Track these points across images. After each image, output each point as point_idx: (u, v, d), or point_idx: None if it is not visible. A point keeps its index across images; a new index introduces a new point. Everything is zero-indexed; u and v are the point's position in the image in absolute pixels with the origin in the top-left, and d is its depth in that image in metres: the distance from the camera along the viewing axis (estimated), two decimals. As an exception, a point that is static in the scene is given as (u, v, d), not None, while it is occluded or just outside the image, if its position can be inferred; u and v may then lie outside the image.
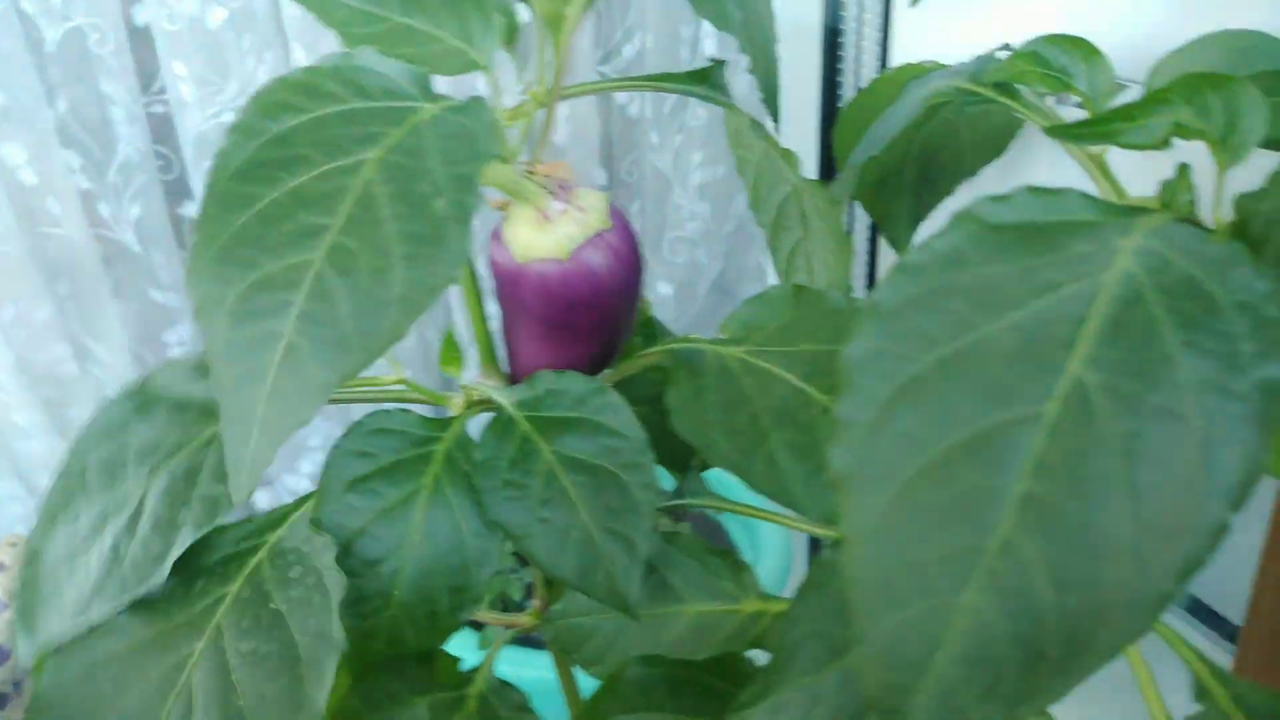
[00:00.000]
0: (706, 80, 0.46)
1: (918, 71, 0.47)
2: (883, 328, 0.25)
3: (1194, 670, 0.31)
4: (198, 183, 1.19)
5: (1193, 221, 0.33)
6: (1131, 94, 0.40)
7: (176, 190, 1.23)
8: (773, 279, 1.16)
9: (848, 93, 0.72)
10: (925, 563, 0.21)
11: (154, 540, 0.34)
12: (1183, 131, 0.33)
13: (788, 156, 0.44)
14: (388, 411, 0.38)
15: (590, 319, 0.42)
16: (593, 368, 0.45)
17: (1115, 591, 0.21)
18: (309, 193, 0.30)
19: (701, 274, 1.27)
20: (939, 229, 0.26)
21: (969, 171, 0.54)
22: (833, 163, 0.75)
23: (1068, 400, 0.23)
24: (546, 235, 0.40)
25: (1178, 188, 0.33)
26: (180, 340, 1.25)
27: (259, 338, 0.28)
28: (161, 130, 1.17)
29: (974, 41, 0.56)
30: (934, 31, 0.60)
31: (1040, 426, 0.23)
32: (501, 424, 0.39)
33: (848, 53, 0.68)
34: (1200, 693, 0.31)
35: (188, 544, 0.34)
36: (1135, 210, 0.27)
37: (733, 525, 1.04)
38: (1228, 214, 0.33)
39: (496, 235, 0.43)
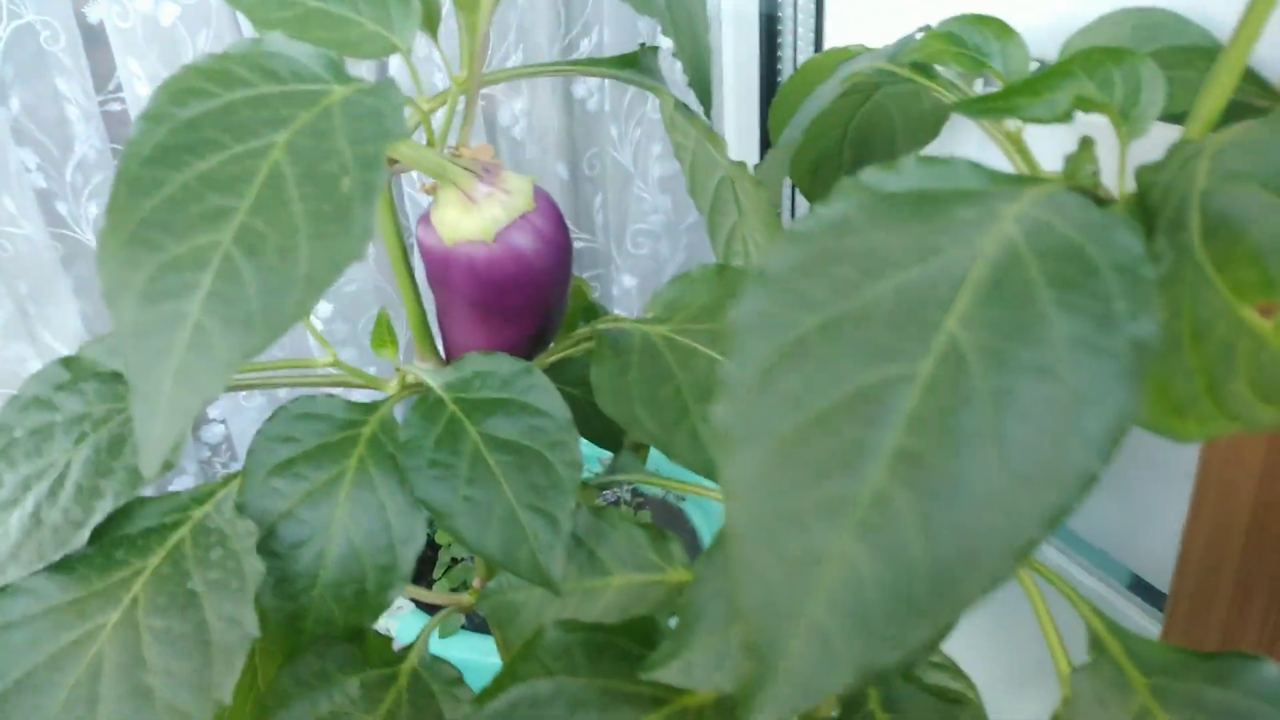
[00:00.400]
0: (634, 64, 0.47)
1: (846, 55, 0.48)
2: (769, 292, 0.25)
3: (1090, 624, 0.32)
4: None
5: (1092, 192, 0.34)
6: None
7: (136, 190, 1.22)
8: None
9: (786, 76, 0.72)
10: (800, 512, 0.22)
11: (74, 508, 0.35)
12: (1085, 104, 0.33)
13: (715, 140, 0.45)
14: (312, 397, 0.38)
15: (520, 300, 0.43)
16: (528, 349, 0.46)
17: (983, 539, 0.22)
18: (217, 175, 0.31)
19: (664, 266, 1.27)
20: (829, 196, 0.27)
21: (902, 153, 0.55)
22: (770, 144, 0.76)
23: (942, 358, 0.23)
24: (472, 217, 0.41)
25: (1080, 159, 0.34)
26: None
27: (167, 318, 0.29)
28: (119, 128, 1.17)
29: (904, 25, 0.57)
30: (866, 16, 0.61)
31: (915, 383, 0.23)
32: (428, 405, 0.39)
33: (785, 38, 0.69)
34: (1095, 644, 0.31)
35: (108, 512, 0.34)
36: (1025, 180, 0.28)
37: (693, 511, 1.05)
38: (1131, 186, 0.34)
39: (425, 219, 0.43)
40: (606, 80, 1.15)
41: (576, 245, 1.31)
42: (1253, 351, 0.24)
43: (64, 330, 1.18)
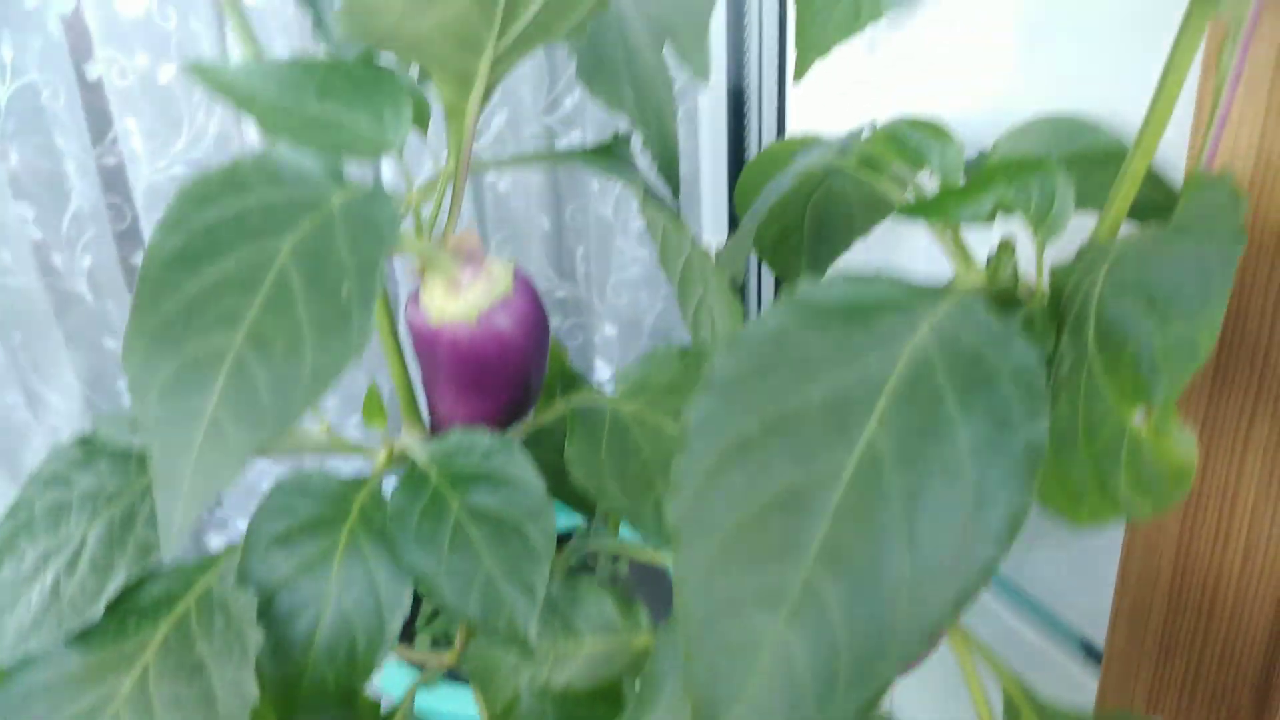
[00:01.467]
0: (609, 154, 0.51)
1: (802, 144, 0.52)
2: (714, 398, 0.29)
3: (1006, 688, 0.35)
4: (147, 231, 1.23)
5: (1009, 293, 0.38)
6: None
7: (129, 240, 1.26)
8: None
9: (753, 149, 0.77)
10: (739, 602, 0.26)
11: (91, 580, 0.38)
12: (1006, 209, 0.37)
13: (679, 228, 0.49)
14: (307, 474, 0.42)
15: (500, 375, 0.46)
16: (508, 418, 0.49)
17: (898, 623, 0.25)
18: (230, 279, 0.34)
19: (644, 315, 1.31)
20: (767, 308, 0.31)
21: (860, 231, 0.59)
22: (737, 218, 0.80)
23: (862, 460, 0.27)
24: (457, 302, 0.44)
25: (1000, 260, 0.37)
26: (134, 386, 1.28)
27: (186, 414, 0.32)
28: (114, 181, 1.20)
29: (860, 107, 0.61)
30: (825, 97, 0.65)
31: (839, 483, 0.27)
32: (414, 478, 0.42)
33: (751, 116, 0.74)
34: (1010, 708, 0.35)
35: (122, 584, 0.38)
36: (942, 291, 0.32)
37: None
38: (1047, 283, 0.38)
39: (414, 300, 0.47)
40: (589, 136, 1.19)
41: (559, 294, 1.35)
42: (1133, 450, 0.28)
43: (55, 379, 1.21)
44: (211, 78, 0.40)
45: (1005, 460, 0.27)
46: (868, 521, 0.26)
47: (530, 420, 0.50)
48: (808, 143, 0.53)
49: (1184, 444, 0.26)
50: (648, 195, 0.49)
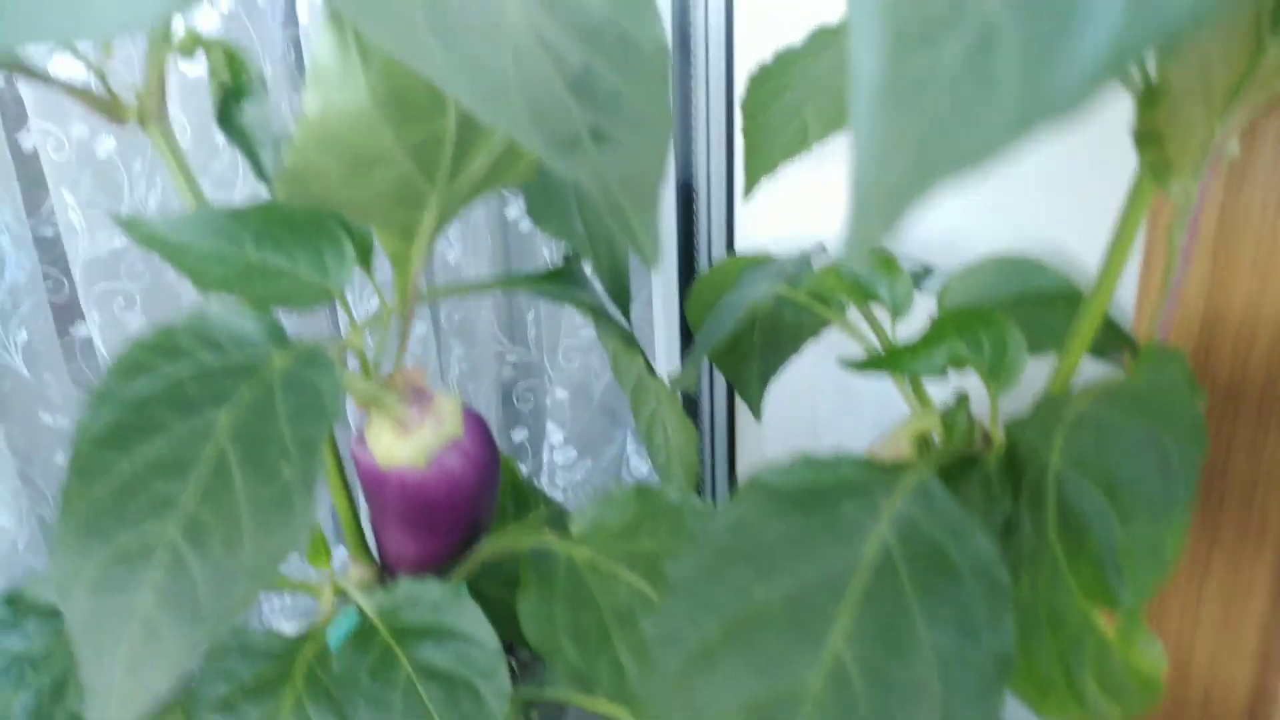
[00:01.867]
0: (561, 277, 0.50)
1: (751, 263, 0.52)
2: (675, 601, 0.28)
3: None
4: (89, 305, 1.19)
5: (964, 450, 0.37)
6: (926, 302, 0.45)
7: (66, 313, 1.23)
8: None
9: (702, 250, 0.77)
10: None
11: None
12: (958, 363, 0.37)
13: (630, 351, 0.48)
14: (248, 632, 0.40)
15: (449, 516, 0.45)
16: (458, 552, 0.48)
17: None
18: (164, 460, 0.33)
19: (596, 378, 1.30)
20: (731, 498, 0.30)
21: (811, 333, 0.59)
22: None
23: (830, 676, 0.26)
24: (406, 444, 0.43)
25: (956, 414, 0.37)
26: (71, 462, 1.24)
27: (116, 611, 0.30)
28: (51, 252, 1.17)
29: (807, 213, 0.61)
30: (772, 211, 0.65)
31: (806, 700, 0.26)
32: (361, 633, 0.41)
33: (699, 204, 0.74)
34: None
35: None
36: (898, 470, 0.31)
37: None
38: (1001, 434, 0.38)
39: (360, 440, 0.45)
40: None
41: (510, 358, 1.34)
42: (1099, 651, 0.28)
43: (-13, 456, 1.17)
44: (140, 232, 0.38)
45: (972, 676, 0.26)
46: (834, 746, 0.25)
47: (475, 558, 0.49)
48: (757, 261, 0.53)
49: (1153, 654, 0.26)
50: (599, 317, 0.48)
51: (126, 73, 0.99)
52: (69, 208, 1.10)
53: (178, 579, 0.31)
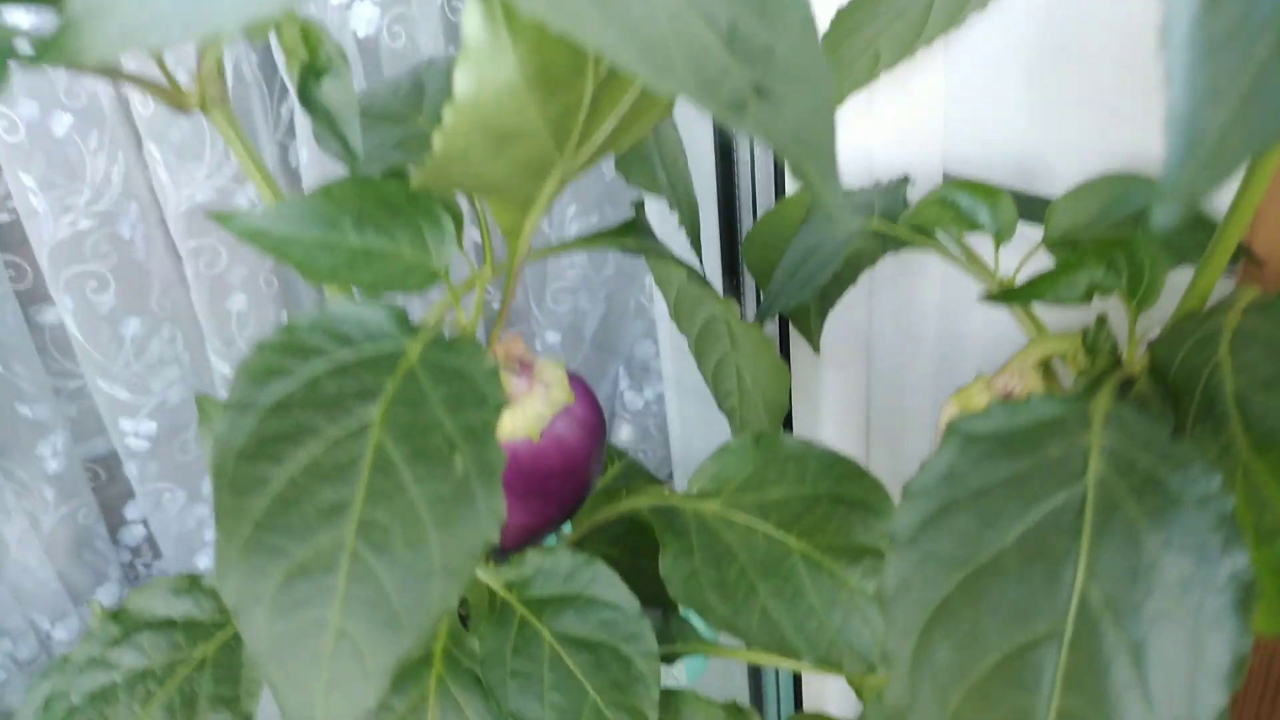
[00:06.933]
0: (633, 229, 0.48)
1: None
2: (904, 556, 0.28)
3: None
4: (58, 290, 1.14)
5: (1119, 371, 0.37)
6: (1028, 235, 0.44)
7: (32, 299, 1.17)
8: (660, 319, 1.18)
9: (744, 202, 0.76)
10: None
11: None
12: (1100, 287, 0.37)
13: (707, 290, 0.47)
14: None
15: (563, 484, 0.44)
16: (566, 518, 0.47)
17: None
18: (321, 465, 0.31)
19: (585, 319, 1.29)
20: (932, 451, 0.29)
21: (869, 262, 0.58)
22: (734, 267, 0.79)
23: (1079, 615, 0.26)
24: (516, 416, 0.42)
25: (1098, 337, 0.37)
26: (55, 452, 1.20)
27: (305, 629, 0.29)
28: (11, 239, 1.11)
29: (858, 158, 0.60)
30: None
31: (1060, 644, 0.26)
32: (497, 611, 0.40)
33: (741, 170, 0.72)
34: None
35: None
36: (1087, 396, 0.31)
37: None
38: (1140, 352, 0.38)
39: (462, 416, 0.44)
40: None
41: (496, 305, 1.32)
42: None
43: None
44: (240, 226, 0.36)
45: (1214, 597, 0.26)
46: (1101, 683, 0.25)
47: (585, 521, 0.48)
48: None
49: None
50: (664, 256, 0.47)
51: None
52: (28, 191, 1.05)
53: (365, 586, 0.29)
